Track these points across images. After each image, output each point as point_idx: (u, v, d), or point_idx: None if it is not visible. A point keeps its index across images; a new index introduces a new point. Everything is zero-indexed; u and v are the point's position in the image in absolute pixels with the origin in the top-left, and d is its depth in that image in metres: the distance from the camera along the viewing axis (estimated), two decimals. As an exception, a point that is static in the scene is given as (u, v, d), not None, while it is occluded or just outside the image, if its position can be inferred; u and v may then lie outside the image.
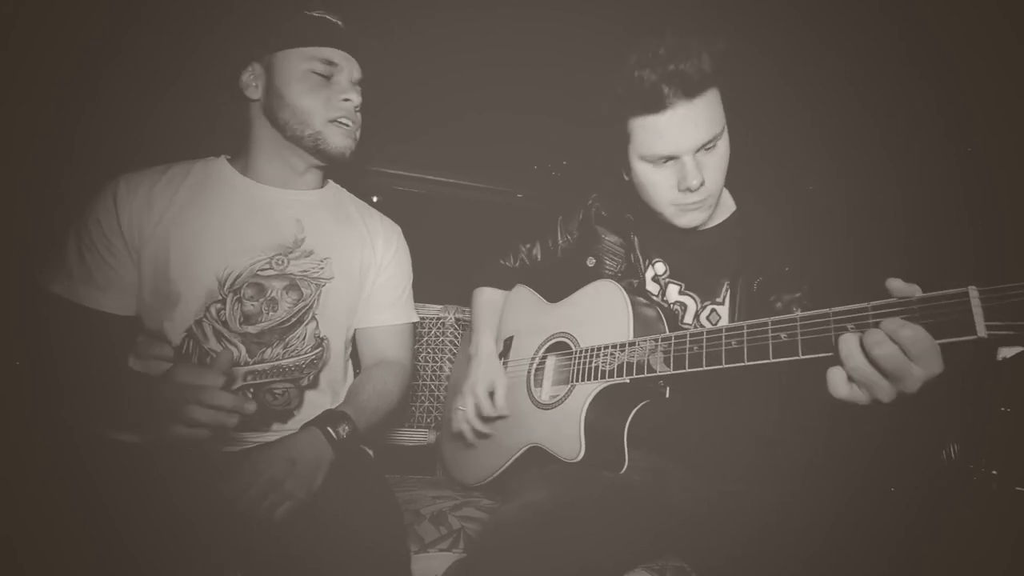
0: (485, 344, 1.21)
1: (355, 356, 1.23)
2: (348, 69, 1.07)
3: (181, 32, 1.46)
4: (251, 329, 1.00)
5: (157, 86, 1.50)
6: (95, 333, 0.97)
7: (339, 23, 1.07)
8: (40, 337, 0.97)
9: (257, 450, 0.87)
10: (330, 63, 1.05)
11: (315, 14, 1.06)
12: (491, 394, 1.13)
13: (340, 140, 1.06)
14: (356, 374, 1.22)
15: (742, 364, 0.74)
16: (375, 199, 1.90)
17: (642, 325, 0.97)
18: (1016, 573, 1.05)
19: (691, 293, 1.04)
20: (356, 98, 1.07)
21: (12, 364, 0.99)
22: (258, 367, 1.00)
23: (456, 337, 1.54)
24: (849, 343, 0.62)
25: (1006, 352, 1.20)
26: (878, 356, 0.60)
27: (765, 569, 0.77)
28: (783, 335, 0.70)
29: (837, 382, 0.64)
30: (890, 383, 0.61)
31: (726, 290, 1.00)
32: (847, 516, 0.82)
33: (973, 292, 0.57)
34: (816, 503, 0.85)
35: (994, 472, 1.18)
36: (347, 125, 1.07)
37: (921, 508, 1.18)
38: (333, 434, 0.93)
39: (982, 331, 0.56)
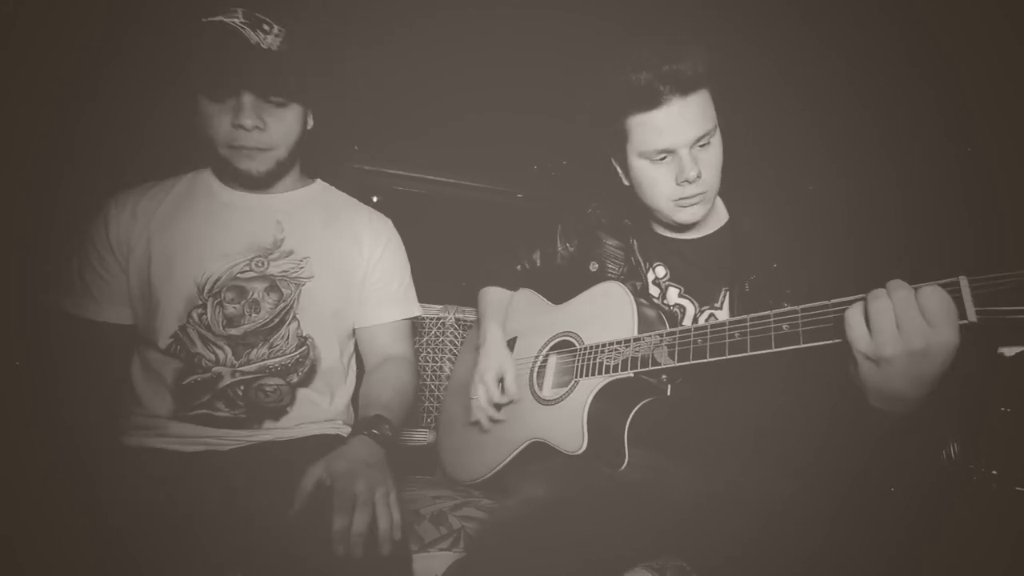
0: (492, 333, 1.22)
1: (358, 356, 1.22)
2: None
3: (178, 35, 1.45)
4: (235, 331, 1.00)
5: (156, 90, 1.50)
6: (96, 340, 1.02)
7: (237, 25, 0.92)
8: (43, 345, 1.01)
9: (329, 475, 0.82)
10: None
11: (214, 19, 0.92)
12: (500, 381, 1.14)
13: (242, 163, 1.00)
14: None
15: (745, 354, 0.76)
16: (375, 199, 1.90)
17: (645, 325, 0.98)
18: (1016, 573, 1.05)
19: (689, 297, 1.06)
20: (249, 121, 0.95)
21: (12, 365, 1.01)
22: (245, 368, 1.01)
23: (456, 337, 1.54)
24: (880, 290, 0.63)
25: (1006, 351, 1.20)
26: (895, 296, 0.61)
27: (765, 568, 0.77)
28: (785, 326, 0.72)
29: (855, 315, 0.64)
30: (901, 333, 0.61)
31: (724, 295, 1.02)
32: (847, 515, 0.82)
33: (963, 280, 0.60)
34: (816, 502, 0.85)
35: (994, 472, 1.18)
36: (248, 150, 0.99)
37: (921, 508, 1.18)
38: (379, 434, 0.94)
39: (972, 316, 0.58)
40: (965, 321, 0.59)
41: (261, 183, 1.06)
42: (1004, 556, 1.09)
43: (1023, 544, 1.10)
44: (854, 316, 0.64)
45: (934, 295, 0.59)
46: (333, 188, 1.24)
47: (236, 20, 0.92)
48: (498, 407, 1.14)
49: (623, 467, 0.94)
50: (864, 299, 0.64)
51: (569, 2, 1.62)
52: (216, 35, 0.92)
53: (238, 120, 0.96)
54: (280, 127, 1.01)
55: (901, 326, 0.61)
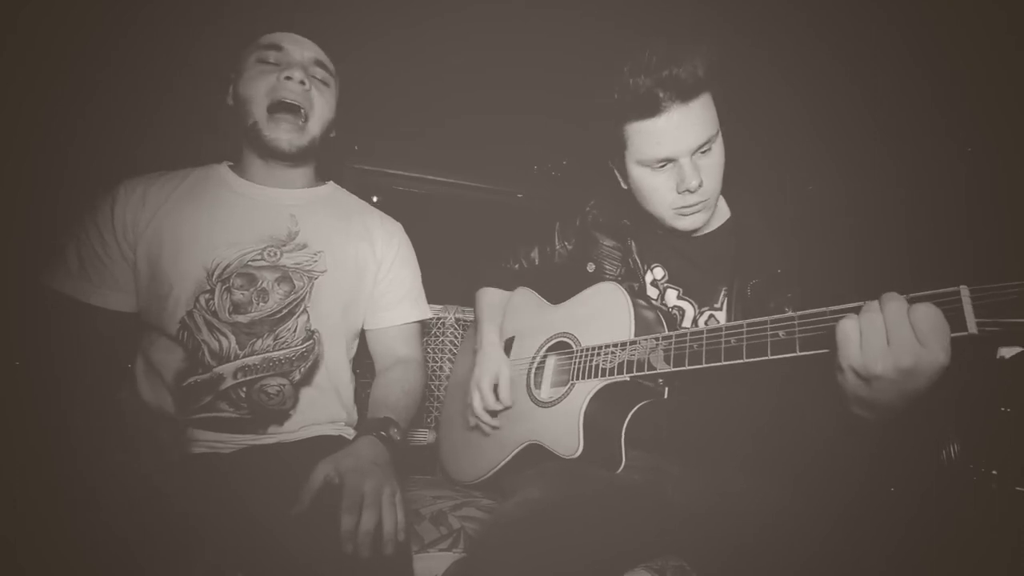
0: (488, 337, 1.22)
1: (360, 356, 1.23)
2: (297, 51, 1.05)
3: (176, 36, 1.46)
4: (241, 319, 1.00)
5: (154, 90, 1.50)
6: (93, 328, 1.01)
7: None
8: (40, 334, 0.99)
9: (338, 472, 0.83)
10: (277, 47, 1.03)
11: None
12: (495, 387, 1.14)
13: (275, 132, 1.04)
14: (356, 373, 1.22)
15: (741, 361, 0.75)
16: (375, 199, 1.90)
17: (643, 326, 0.97)
18: (1016, 573, 1.05)
19: (689, 298, 1.04)
20: (297, 74, 1.02)
21: (12, 364, 1.00)
22: (248, 360, 1.00)
23: (456, 337, 1.54)
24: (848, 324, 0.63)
25: (1006, 352, 1.20)
26: (887, 311, 0.60)
27: (765, 569, 0.77)
28: (781, 333, 0.72)
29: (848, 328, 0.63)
30: (891, 350, 0.60)
31: (723, 296, 1.01)
32: (847, 516, 0.82)
33: (964, 291, 0.58)
34: (815, 503, 0.85)
35: (994, 472, 1.18)
36: (290, 109, 1.03)
37: (921, 508, 1.18)
38: (386, 436, 0.95)
39: (972, 328, 0.57)
40: (965, 333, 0.57)
41: (288, 158, 1.08)
42: (1004, 556, 1.09)
43: (1023, 544, 1.10)
44: (846, 329, 0.62)
45: (927, 313, 0.58)
46: (344, 190, 1.26)
47: None
48: (494, 414, 1.14)
49: (620, 469, 0.93)
50: (859, 308, 0.64)
51: (569, 2, 1.61)
52: (275, 6, 1.05)
53: (288, 73, 1.02)
54: (320, 99, 1.07)
55: (891, 342, 0.60)
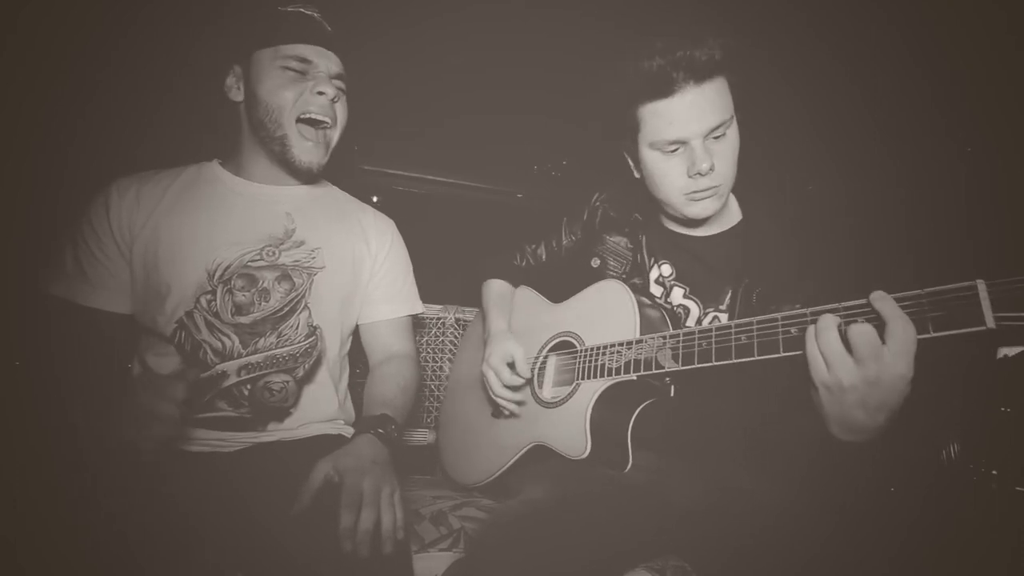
0: (496, 324, 1.21)
1: (353, 352, 1.23)
2: (324, 64, 1.06)
3: (176, 36, 1.45)
4: (244, 319, 1.00)
5: (154, 90, 1.50)
6: (92, 330, 1.00)
7: (314, 15, 1.06)
8: (39, 337, 0.99)
9: (337, 471, 0.83)
10: (303, 60, 1.04)
11: (289, 9, 1.05)
12: (511, 365, 1.11)
13: (305, 155, 1.05)
14: (357, 372, 1.22)
15: (752, 359, 0.74)
16: (375, 199, 1.90)
17: (647, 325, 0.97)
18: (1016, 573, 1.05)
19: (695, 298, 1.04)
20: (330, 91, 1.04)
21: (12, 364, 1.00)
22: (252, 359, 1.00)
23: (456, 337, 1.54)
24: (827, 320, 0.66)
25: (1007, 351, 1.20)
26: (851, 332, 0.63)
27: (766, 569, 0.77)
28: (793, 330, 0.71)
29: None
30: (855, 362, 0.63)
31: (729, 297, 1.00)
32: (847, 516, 0.82)
33: (981, 285, 0.58)
34: (816, 503, 0.85)
35: (994, 472, 1.18)
36: (319, 123, 1.05)
37: (921, 508, 1.18)
38: (384, 433, 0.96)
39: (991, 322, 0.57)
40: (984, 328, 0.57)
41: (307, 177, 1.11)
42: (1004, 556, 1.09)
43: (1023, 544, 1.09)
44: (813, 349, 0.66)
45: (861, 331, 0.62)
46: (337, 188, 1.26)
47: (315, 14, 1.06)
48: (517, 391, 1.11)
49: (627, 469, 0.93)
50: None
51: (570, 1, 1.61)
52: (299, 17, 1.05)
53: (320, 88, 1.03)
54: (342, 110, 1.10)
55: (866, 354, 0.62)
